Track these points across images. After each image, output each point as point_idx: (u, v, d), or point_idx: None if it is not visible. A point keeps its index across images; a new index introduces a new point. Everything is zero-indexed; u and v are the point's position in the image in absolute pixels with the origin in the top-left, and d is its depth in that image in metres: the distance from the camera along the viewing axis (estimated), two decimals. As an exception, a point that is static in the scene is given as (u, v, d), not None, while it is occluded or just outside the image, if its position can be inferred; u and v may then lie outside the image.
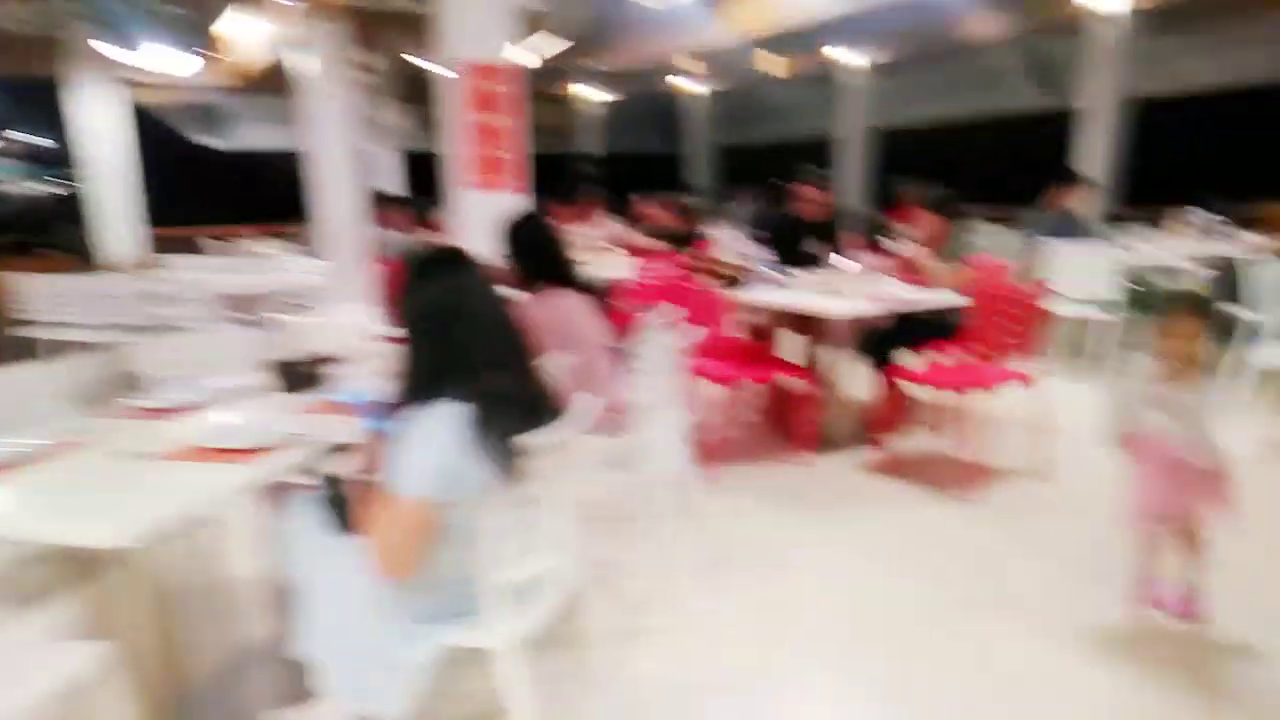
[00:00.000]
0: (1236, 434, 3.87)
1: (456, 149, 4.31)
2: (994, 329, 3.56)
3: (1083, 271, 5.33)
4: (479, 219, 4.01)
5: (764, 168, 9.47)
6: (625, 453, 2.71)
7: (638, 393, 2.70)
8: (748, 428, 4.57)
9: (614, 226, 6.48)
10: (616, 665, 2.34)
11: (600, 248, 5.83)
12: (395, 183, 9.25)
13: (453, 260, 1.78)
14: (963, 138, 10.76)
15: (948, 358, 3.95)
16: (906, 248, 4.35)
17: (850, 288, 3.92)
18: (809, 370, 4.14)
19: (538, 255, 2.81)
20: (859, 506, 3.52)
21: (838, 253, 4.52)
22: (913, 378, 3.92)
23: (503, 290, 3.00)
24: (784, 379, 4.22)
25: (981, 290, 3.84)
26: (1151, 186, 7.52)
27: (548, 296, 2.74)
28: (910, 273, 4.25)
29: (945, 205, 4.27)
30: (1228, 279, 5.19)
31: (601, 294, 3.01)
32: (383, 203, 6.43)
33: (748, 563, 3.02)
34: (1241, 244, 5.69)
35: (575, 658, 2.31)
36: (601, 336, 2.82)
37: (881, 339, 4.18)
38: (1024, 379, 3.66)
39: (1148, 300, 5.30)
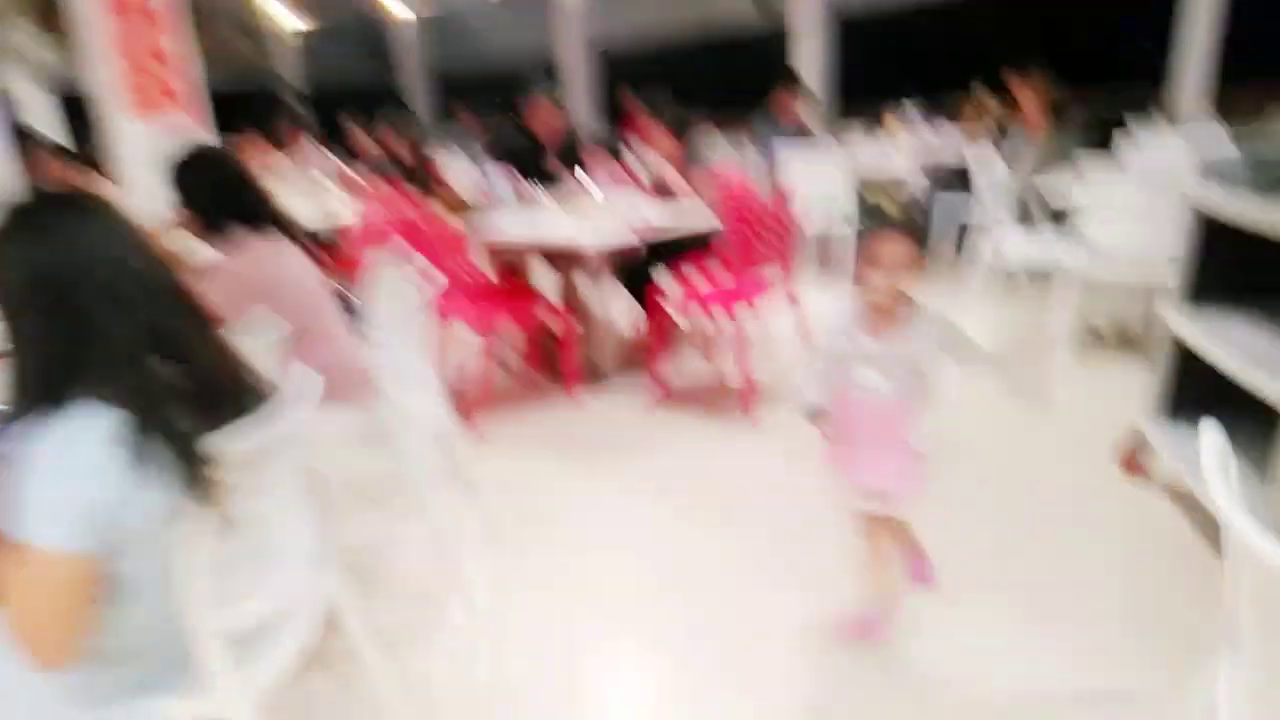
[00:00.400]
0: (969, 330, 4.19)
1: (103, 71, 3.45)
2: (748, 243, 3.45)
3: (818, 180, 5.44)
4: (147, 157, 3.27)
5: (486, 97, 8.92)
6: (372, 424, 2.27)
7: (378, 350, 2.26)
8: (510, 373, 4.23)
9: (329, 161, 5.76)
10: (391, 677, 1.96)
11: (315, 186, 5.15)
12: (48, 124, 7.80)
13: (68, 206, 1.22)
14: (682, 58, 10.76)
15: (706, 277, 3.82)
16: (650, 163, 4.14)
17: (601, 211, 3.64)
18: (567, 304, 3.85)
19: (219, 196, 2.24)
20: (638, 446, 3.32)
21: (582, 172, 4.24)
22: (675, 303, 3.75)
23: (179, 244, 2.44)
24: (542, 316, 3.90)
25: (730, 204, 3.72)
26: (857, 105, 7.93)
27: (243, 247, 2.20)
28: (658, 189, 4.05)
29: (679, 118, 4.08)
30: (942, 179, 5.53)
31: (317, 238, 2.50)
32: (30, 146, 5.31)
33: (529, 528, 2.73)
34: (950, 140, 6.06)
35: (340, 676, 1.94)
36: (322, 289, 2.33)
37: (637, 263, 3.98)
38: (783, 293, 3.61)
39: (872, 207, 5.52)
